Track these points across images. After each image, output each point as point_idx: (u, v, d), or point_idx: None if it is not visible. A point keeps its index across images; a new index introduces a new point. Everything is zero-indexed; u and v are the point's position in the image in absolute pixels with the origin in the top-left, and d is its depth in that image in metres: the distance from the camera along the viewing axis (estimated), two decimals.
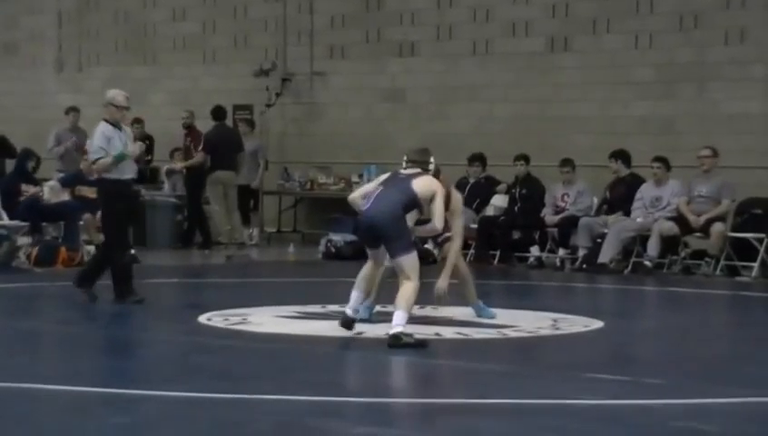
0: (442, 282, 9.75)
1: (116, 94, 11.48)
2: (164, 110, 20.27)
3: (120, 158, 11.22)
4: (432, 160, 9.60)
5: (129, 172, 11.37)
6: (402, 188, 9.16)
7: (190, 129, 18.35)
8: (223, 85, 20.09)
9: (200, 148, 17.91)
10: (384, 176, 9.50)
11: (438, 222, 9.19)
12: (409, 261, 9.01)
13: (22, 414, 6.72)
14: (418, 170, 9.44)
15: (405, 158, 9.62)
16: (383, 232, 9.07)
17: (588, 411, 6.98)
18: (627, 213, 15.45)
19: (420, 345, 8.88)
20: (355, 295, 9.49)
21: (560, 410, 6.99)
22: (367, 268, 9.57)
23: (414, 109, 18.76)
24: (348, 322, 9.41)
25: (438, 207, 9.18)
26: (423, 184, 9.20)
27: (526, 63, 17.83)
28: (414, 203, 9.10)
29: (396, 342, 8.80)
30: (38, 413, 6.79)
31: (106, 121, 11.44)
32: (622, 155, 15.81)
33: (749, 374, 8.28)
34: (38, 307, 11.14)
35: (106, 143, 11.24)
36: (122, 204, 11.31)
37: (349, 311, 9.45)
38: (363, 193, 9.49)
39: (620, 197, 15.63)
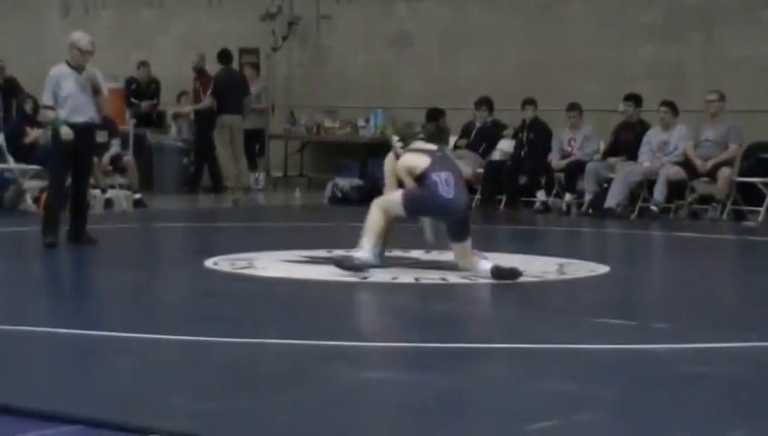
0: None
1: (80, 38, 11.19)
2: (170, 53, 20.22)
3: (56, 124, 11.07)
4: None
5: (81, 115, 11.07)
6: (457, 168, 9.69)
7: (200, 72, 18.29)
8: (230, 29, 20.01)
9: (209, 92, 17.88)
10: (421, 155, 9.56)
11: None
12: (469, 244, 9.56)
13: (30, 357, 6.76)
14: (436, 146, 9.83)
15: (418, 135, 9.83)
16: (461, 219, 9.57)
17: (594, 356, 7.00)
18: (633, 158, 15.42)
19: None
20: (371, 246, 9.55)
21: (566, 354, 7.01)
22: (384, 221, 9.61)
23: (421, 53, 18.69)
24: (359, 267, 9.48)
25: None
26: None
27: (535, 7, 17.74)
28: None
29: (498, 273, 9.38)
30: (46, 356, 6.82)
31: (67, 63, 11.19)
32: (638, 100, 15.76)
33: (755, 319, 8.29)
34: (44, 251, 11.15)
35: (56, 85, 11.03)
36: (67, 147, 11.03)
37: (371, 256, 9.51)
38: (414, 167, 9.57)
39: (628, 143, 15.60)
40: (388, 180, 9.84)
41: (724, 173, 14.81)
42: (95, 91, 11.10)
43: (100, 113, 11.30)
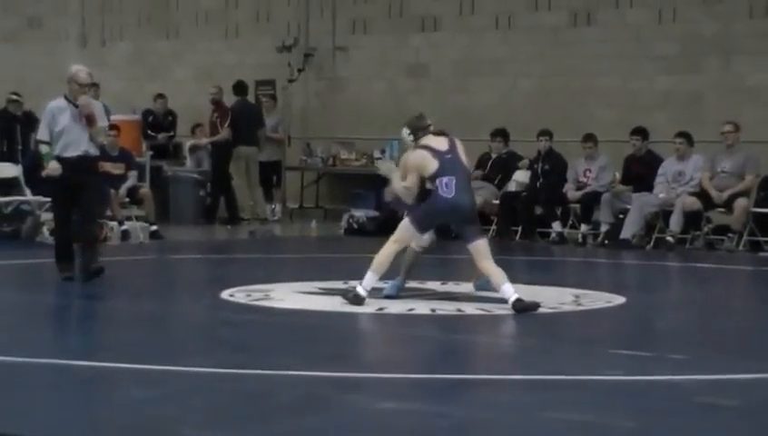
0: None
1: (78, 71, 11.00)
2: (187, 85, 20.29)
3: (45, 160, 11.01)
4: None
5: (74, 149, 10.87)
6: (464, 170, 9.79)
7: (217, 104, 18.38)
8: (246, 60, 20.09)
9: (226, 124, 17.97)
10: (431, 157, 9.67)
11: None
12: (485, 243, 9.74)
13: (47, 389, 6.76)
14: (447, 139, 9.84)
15: (428, 128, 9.91)
16: (468, 219, 9.71)
17: (611, 387, 6.98)
18: (645, 189, 15.39)
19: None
20: (374, 278, 9.73)
21: (582, 385, 6.99)
22: (398, 248, 9.79)
23: (437, 84, 18.72)
24: (360, 299, 9.66)
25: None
26: (463, 152, 9.84)
27: (550, 37, 17.77)
28: (470, 177, 10.07)
29: (520, 307, 9.38)
30: (63, 388, 6.82)
31: (65, 97, 10.99)
32: (644, 133, 15.77)
33: None
34: (62, 282, 11.17)
35: (51, 120, 10.89)
36: (60, 182, 10.92)
37: (363, 290, 9.67)
38: (424, 167, 9.68)
39: (639, 175, 15.60)
40: (402, 173, 9.88)
41: (741, 203, 14.78)
42: (88, 121, 10.96)
43: (95, 144, 11.04)
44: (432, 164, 9.65)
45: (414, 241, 9.98)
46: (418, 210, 9.81)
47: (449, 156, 9.70)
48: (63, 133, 10.94)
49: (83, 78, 10.98)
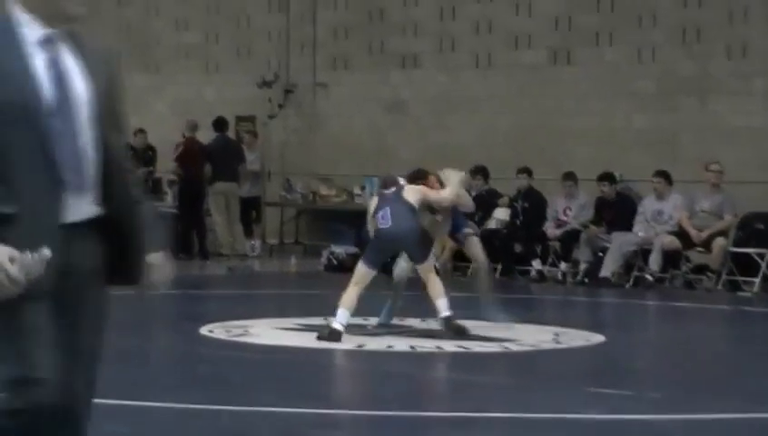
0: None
1: None
2: (166, 120, 20.28)
3: None
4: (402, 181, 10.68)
5: None
6: (401, 202, 10.17)
7: (187, 139, 18.44)
8: (226, 96, 20.10)
9: (174, 157, 18.08)
10: (380, 195, 10.41)
11: (448, 194, 10.45)
12: (431, 262, 10.19)
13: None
14: (400, 184, 10.51)
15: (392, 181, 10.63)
16: (408, 244, 10.10)
17: (589, 426, 6.98)
18: (621, 229, 15.43)
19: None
20: (346, 314, 9.79)
21: (560, 424, 6.98)
22: (360, 289, 9.92)
23: (416, 120, 18.77)
24: (337, 335, 9.68)
25: (435, 194, 10.45)
26: (411, 193, 10.25)
27: (529, 75, 17.85)
28: (415, 210, 10.17)
29: (448, 325, 9.84)
30: None
31: None
32: (611, 178, 15.84)
33: (750, 389, 8.27)
34: None
35: None
36: None
37: (339, 325, 9.73)
38: (371, 210, 10.47)
39: (610, 219, 15.64)
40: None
41: (719, 243, 14.82)
42: None
43: None
44: (374, 203, 10.37)
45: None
46: (366, 253, 10.32)
47: (389, 194, 10.25)
48: None
49: None
